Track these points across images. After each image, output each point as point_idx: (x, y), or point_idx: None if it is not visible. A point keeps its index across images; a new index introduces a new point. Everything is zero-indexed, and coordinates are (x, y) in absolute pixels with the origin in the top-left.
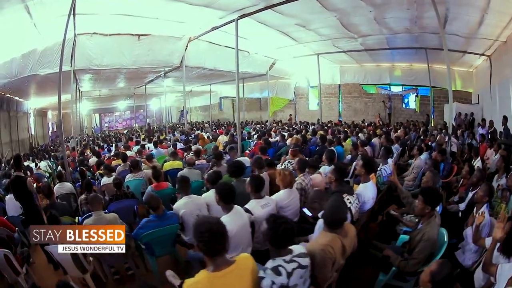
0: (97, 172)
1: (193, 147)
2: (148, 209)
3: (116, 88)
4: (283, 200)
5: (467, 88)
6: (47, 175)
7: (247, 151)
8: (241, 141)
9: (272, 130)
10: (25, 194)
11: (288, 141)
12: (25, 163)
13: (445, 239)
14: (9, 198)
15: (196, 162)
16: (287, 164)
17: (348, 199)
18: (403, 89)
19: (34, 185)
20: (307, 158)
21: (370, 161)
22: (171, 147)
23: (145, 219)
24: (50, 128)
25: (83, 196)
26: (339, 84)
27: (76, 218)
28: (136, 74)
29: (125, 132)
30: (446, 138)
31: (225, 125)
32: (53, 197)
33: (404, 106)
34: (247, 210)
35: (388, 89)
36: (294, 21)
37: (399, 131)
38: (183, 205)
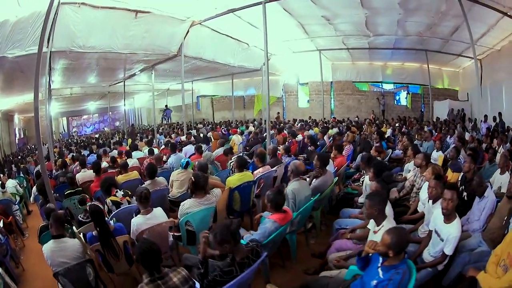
0: (107, 200)
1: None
2: None
3: (89, 85)
4: None
5: (453, 86)
6: (18, 199)
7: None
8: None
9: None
10: None
11: (325, 138)
12: None
13: None
14: None
15: (261, 170)
16: None
17: None
18: (395, 87)
19: (1, 222)
20: None
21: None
22: (194, 150)
23: None
24: (17, 135)
25: None
26: (331, 81)
27: None
28: (121, 63)
29: (97, 136)
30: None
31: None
32: None
33: (396, 103)
34: None
35: (380, 86)
36: (322, 13)
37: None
38: None
